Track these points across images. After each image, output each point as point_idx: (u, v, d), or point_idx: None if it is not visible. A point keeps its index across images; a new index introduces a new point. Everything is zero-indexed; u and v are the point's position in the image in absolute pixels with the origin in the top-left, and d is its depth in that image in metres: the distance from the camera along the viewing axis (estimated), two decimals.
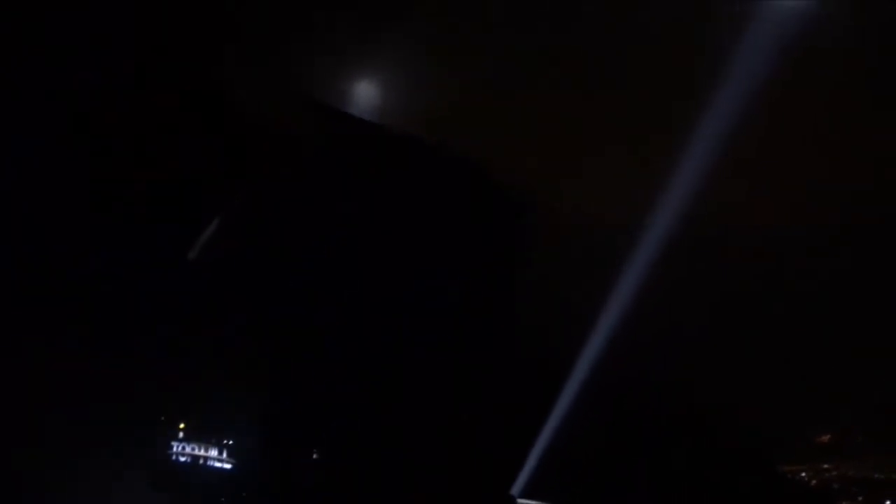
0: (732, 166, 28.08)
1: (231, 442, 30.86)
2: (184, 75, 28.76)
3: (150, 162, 28.48)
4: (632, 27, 27.58)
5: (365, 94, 30.35)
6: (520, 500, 31.47)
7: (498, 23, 28.28)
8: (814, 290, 30.26)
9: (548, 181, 30.46)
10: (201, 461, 30.56)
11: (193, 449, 30.53)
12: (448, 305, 31.18)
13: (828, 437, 33.57)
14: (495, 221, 32.56)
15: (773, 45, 25.90)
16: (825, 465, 33.21)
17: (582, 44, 27.91)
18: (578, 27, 28.05)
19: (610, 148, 29.45)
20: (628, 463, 31.79)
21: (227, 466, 30.76)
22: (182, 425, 30.77)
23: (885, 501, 32.04)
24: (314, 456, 31.31)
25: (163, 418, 30.73)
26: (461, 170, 31.40)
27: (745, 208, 29.97)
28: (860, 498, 32.42)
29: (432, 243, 31.10)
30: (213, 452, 30.69)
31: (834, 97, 27.42)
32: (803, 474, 33.82)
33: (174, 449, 30.58)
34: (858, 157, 28.71)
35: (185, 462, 30.48)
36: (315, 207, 30.22)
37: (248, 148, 29.51)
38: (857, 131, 28.04)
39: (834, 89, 27.54)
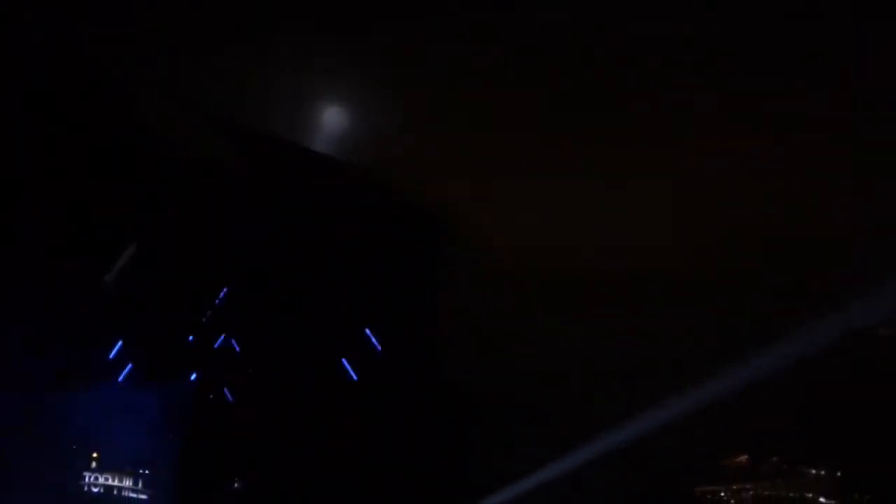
0: None
1: (147, 472, 29.93)
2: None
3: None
4: None
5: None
6: None
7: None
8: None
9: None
10: (115, 492, 29.55)
11: (107, 479, 29.51)
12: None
13: (745, 458, 34.43)
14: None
15: None
16: (743, 486, 34.04)
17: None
18: None
19: None
20: None
21: (143, 497, 29.82)
22: (95, 455, 29.71)
23: None
24: (235, 485, 30.60)
25: (75, 447, 29.62)
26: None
27: None
28: None
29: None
30: (128, 483, 29.70)
31: None
32: (722, 494, 34.60)
33: (87, 479, 29.51)
34: None
35: (98, 493, 29.43)
36: (235, 235, 29.50)
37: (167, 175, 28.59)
38: None
39: None
